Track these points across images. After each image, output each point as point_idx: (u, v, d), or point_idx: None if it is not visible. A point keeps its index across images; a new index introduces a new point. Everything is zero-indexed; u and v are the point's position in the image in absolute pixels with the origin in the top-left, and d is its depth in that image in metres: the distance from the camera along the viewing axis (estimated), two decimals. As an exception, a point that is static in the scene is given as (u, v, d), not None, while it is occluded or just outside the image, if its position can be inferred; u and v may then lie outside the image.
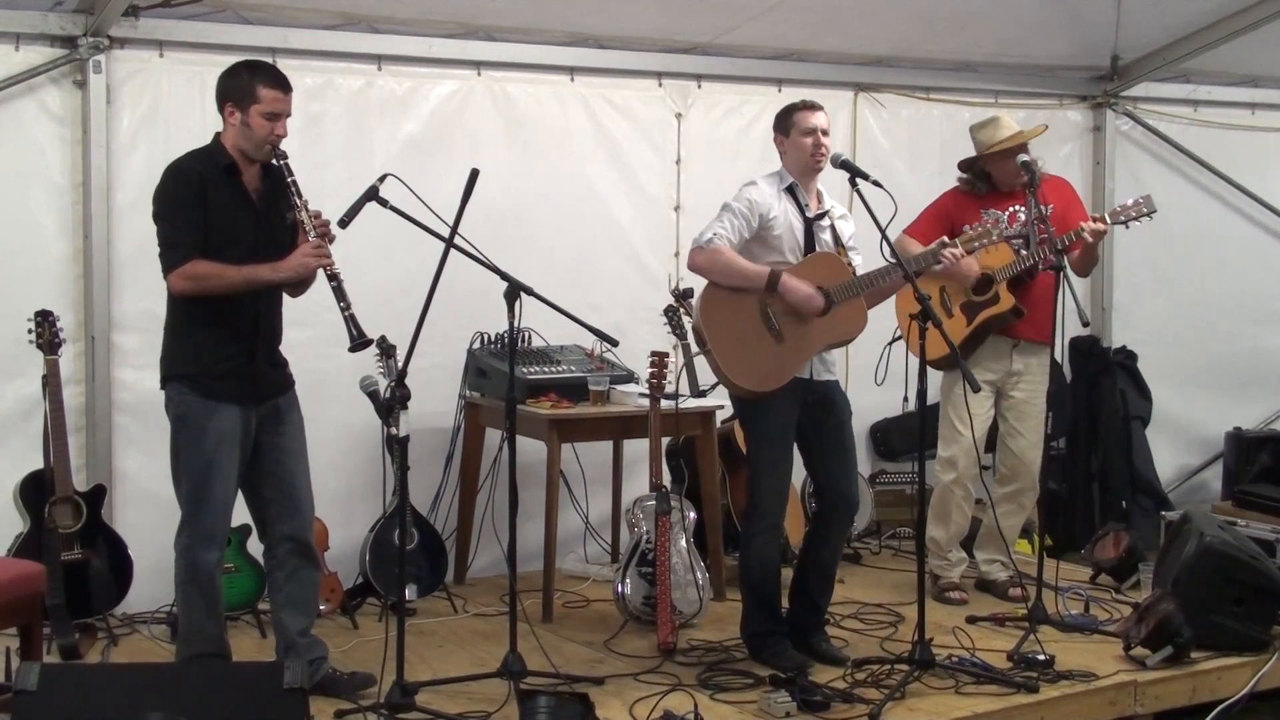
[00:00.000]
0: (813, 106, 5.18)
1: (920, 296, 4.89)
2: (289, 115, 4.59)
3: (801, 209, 5.17)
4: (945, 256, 5.20)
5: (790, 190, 5.17)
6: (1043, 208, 5.81)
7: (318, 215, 4.61)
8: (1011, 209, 5.94)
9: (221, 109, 4.58)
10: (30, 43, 5.58)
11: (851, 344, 5.43)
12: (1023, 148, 5.85)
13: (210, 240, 4.49)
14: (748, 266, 5.03)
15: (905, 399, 5.47)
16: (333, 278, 4.56)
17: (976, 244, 5.34)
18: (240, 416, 4.58)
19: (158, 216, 4.55)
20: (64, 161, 5.68)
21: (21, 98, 5.59)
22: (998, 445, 6.11)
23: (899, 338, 5.79)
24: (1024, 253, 5.84)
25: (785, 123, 5.18)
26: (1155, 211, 5.77)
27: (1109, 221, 5.80)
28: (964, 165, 6.13)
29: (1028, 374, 6.02)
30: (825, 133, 5.14)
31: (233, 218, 4.55)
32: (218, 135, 4.62)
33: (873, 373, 5.70)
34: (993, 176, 5.96)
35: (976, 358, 5.91)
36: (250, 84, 4.52)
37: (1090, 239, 5.72)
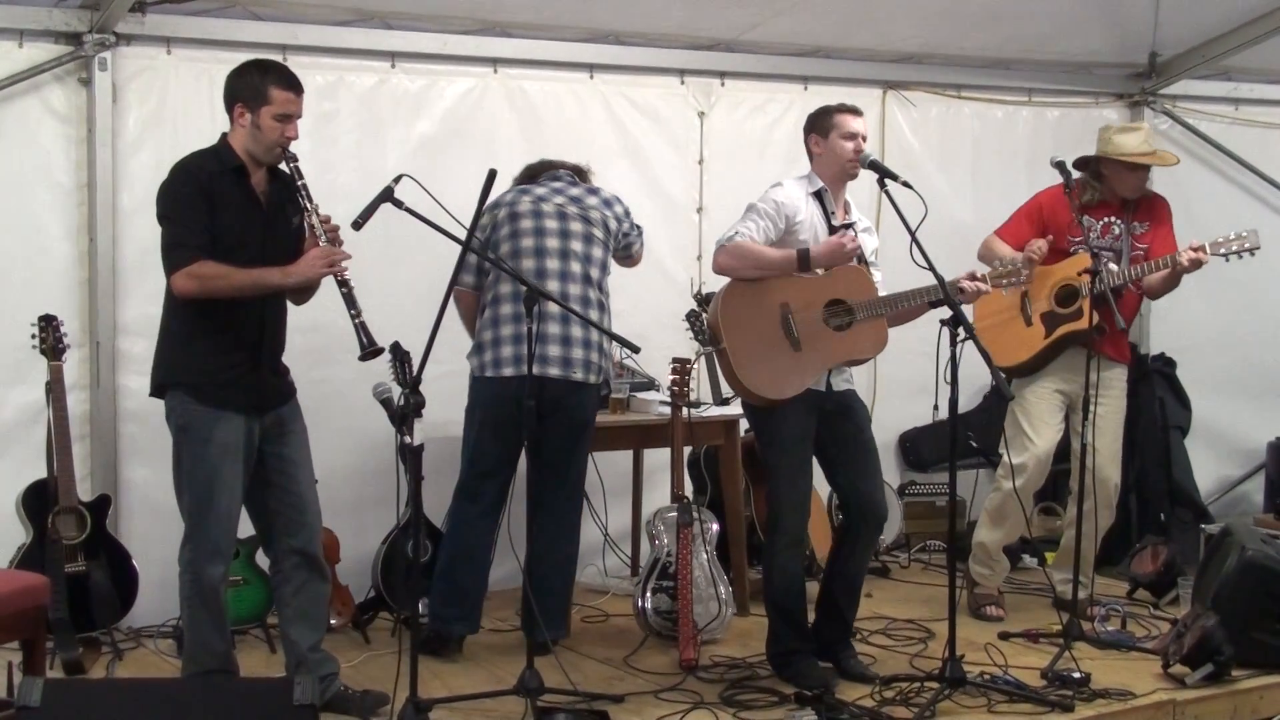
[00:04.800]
0: (855, 110, 5.08)
1: (952, 303, 4.77)
2: (299, 117, 4.52)
3: (828, 216, 5.06)
4: (967, 288, 5.00)
5: (818, 195, 5.06)
6: (1137, 224, 5.80)
7: (327, 220, 4.53)
8: (1106, 219, 5.83)
9: (230, 110, 4.50)
10: (34, 39, 5.53)
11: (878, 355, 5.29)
12: (1147, 170, 5.80)
13: (217, 244, 4.40)
14: (774, 252, 4.93)
15: (935, 407, 5.35)
16: (343, 284, 4.49)
17: (1005, 281, 5.19)
18: (244, 427, 4.50)
19: (163, 216, 4.46)
20: (68, 162, 5.64)
21: (25, 96, 5.55)
22: (1072, 461, 5.99)
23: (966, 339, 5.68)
24: (1114, 267, 5.72)
25: (825, 123, 5.06)
26: (1259, 248, 5.62)
27: (1209, 253, 5.60)
28: (1080, 163, 5.94)
29: (1104, 388, 5.87)
30: (864, 138, 5.05)
31: (241, 221, 4.47)
32: (224, 136, 4.54)
33: (902, 383, 5.56)
34: (1107, 182, 5.77)
35: (1053, 369, 5.84)
36: (262, 85, 4.44)
37: (1187, 267, 5.56)
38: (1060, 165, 5.63)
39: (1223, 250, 5.62)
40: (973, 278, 5.03)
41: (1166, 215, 5.89)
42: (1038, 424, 5.81)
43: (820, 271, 5.00)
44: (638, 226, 5.64)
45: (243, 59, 4.60)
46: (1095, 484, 5.84)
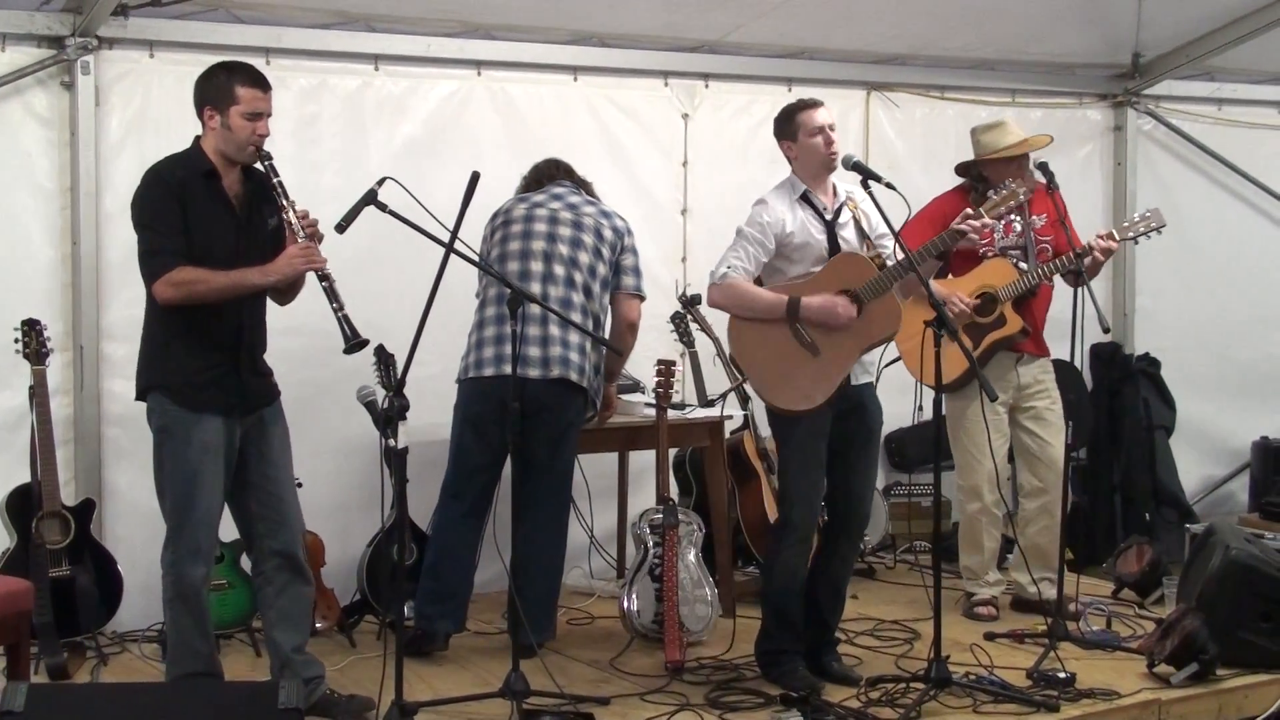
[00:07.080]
0: (813, 104, 5.02)
1: (935, 302, 4.76)
2: (270, 114, 4.51)
3: (820, 213, 5.01)
4: (970, 227, 5.00)
5: (804, 198, 5.01)
6: (1036, 218, 5.80)
7: (305, 215, 4.51)
8: (1007, 219, 5.82)
9: (200, 113, 4.51)
10: (16, 43, 5.52)
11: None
12: (1025, 157, 5.77)
13: (191, 249, 4.40)
14: (764, 297, 4.90)
15: (919, 408, 5.35)
16: (324, 278, 4.48)
17: (1003, 207, 5.21)
18: (224, 427, 4.49)
19: (139, 224, 4.46)
20: (51, 165, 5.62)
21: (7, 100, 5.53)
22: (1025, 459, 6.00)
23: (896, 360, 5.68)
24: (1023, 266, 5.78)
25: (789, 127, 5.02)
26: (1164, 226, 5.70)
27: (1118, 238, 5.71)
28: (960, 169, 6.02)
29: (1038, 384, 5.94)
30: (832, 127, 4.99)
31: (213, 225, 4.46)
32: (197, 140, 4.54)
33: (887, 383, 5.54)
34: (990, 182, 5.81)
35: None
36: (228, 85, 4.44)
37: (1101, 258, 5.65)
38: (1043, 167, 5.64)
39: (1130, 234, 5.74)
40: (965, 218, 5.02)
41: (1060, 205, 5.90)
42: (981, 442, 5.75)
43: (815, 269, 4.94)
44: (636, 251, 5.58)
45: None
46: (1052, 476, 5.85)
